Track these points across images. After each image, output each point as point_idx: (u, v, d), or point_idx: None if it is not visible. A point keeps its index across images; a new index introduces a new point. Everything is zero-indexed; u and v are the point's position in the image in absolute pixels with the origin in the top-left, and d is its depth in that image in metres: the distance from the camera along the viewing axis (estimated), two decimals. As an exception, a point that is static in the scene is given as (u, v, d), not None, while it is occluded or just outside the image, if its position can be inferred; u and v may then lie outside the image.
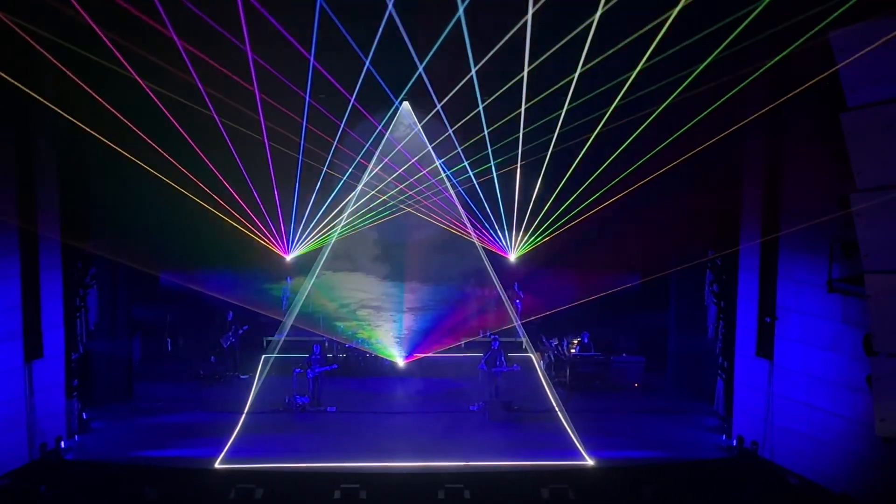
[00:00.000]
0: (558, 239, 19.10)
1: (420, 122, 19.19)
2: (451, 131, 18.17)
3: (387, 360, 20.81)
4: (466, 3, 13.97)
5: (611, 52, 14.60)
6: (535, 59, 15.07)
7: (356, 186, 19.99)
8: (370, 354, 20.86)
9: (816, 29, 11.76)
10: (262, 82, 15.80)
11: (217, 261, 20.63)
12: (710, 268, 18.28)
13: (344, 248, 21.92)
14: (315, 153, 18.27)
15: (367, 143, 18.88)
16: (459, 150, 18.66)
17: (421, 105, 18.46)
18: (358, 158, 19.16)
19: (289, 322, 20.57)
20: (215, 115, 15.93)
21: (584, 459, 15.84)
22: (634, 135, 15.88)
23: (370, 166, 19.70)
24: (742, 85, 13.97)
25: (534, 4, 13.63)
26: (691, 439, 17.15)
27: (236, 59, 15.00)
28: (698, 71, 14.06)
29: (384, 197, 20.44)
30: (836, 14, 11.30)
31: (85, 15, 12.78)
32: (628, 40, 14.33)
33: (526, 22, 14.07)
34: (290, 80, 15.95)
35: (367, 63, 15.58)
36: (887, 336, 11.64)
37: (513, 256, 20.82)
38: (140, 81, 14.58)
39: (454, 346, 21.51)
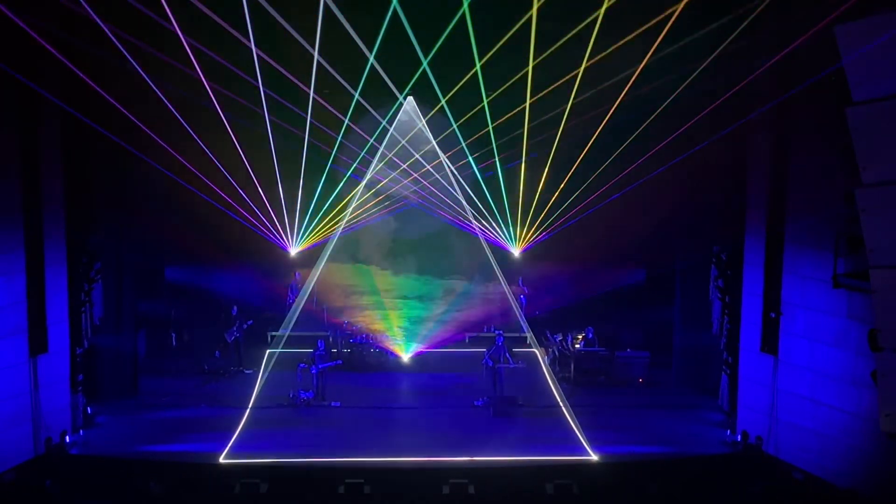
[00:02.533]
0: (563, 234, 19.07)
1: (425, 117, 19.16)
2: (455, 126, 18.15)
3: (391, 355, 20.83)
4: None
5: (617, 45, 14.58)
6: (541, 54, 15.04)
7: (361, 181, 19.98)
8: (374, 349, 20.84)
9: (822, 23, 11.73)
10: (267, 77, 15.81)
11: (222, 255, 20.62)
12: (714, 263, 18.24)
13: (348, 242, 21.92)
14: (319, 148, 18.26)
15: (371, 137, 18.86)
16: (464, 144, 18.64)
17: (425, 100, 18.48)
18: (363, 153, 19.15)
19: (293, 317, 20.58)
20: (220, 110, 15.93)
21: (589, 455, 15.84)
22: (640, 129, 15.86)
23: (375, 161, 19.68)
24: (748, 79, 13.93)
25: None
26: (696, 435, 17.13)
27: (241, 54, 15.00)
28: (704, 65, 14.02)
29: (389, 192, 20.44)
30: (842, 9, 11.26)
31: (89, 9, 12.78)
32: (634, 34, 14.31)
33: (531, 15, 14.06)
34: (295, 76, 15.95)
35: (371, 58, 15.57)
36: (892, 331, 11.60)
37: (517, 251, 20.79)
38: (145, 76, 14.58)
39: (458, 341, 21.50)
